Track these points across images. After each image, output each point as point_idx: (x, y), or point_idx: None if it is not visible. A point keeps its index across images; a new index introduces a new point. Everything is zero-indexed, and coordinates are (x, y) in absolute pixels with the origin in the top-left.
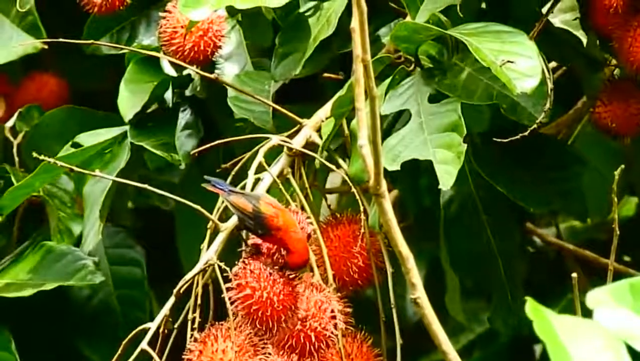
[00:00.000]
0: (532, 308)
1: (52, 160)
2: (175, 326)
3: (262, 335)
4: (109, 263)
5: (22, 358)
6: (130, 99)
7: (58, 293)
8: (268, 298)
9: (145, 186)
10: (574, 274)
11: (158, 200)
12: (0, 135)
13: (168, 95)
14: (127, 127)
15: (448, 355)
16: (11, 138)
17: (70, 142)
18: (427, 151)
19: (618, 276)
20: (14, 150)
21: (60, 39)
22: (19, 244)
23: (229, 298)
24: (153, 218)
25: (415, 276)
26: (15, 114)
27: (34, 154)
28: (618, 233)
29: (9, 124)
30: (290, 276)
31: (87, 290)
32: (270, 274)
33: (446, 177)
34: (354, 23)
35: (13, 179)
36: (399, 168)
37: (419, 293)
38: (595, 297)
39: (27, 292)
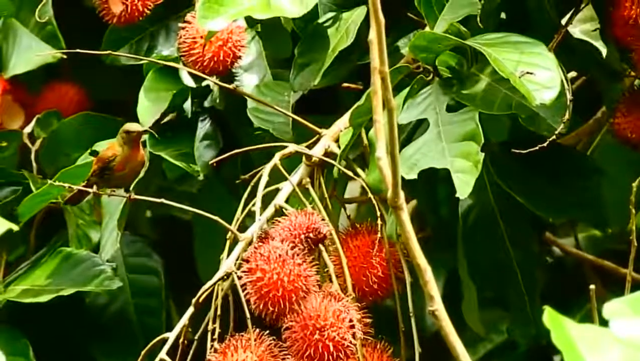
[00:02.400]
0: (550, 317)
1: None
2: (196, 337)
3: (275, 319)
4: (127, 271)
5: None
6: (149, 108)
7: (75, 301)
8: (278, 279)
9: (162, 200)
10: (592, 286)
11: (176, 210)
12: (18, 141)
13: (187, 105)
14: (145, 136)
15: None
16: (29, 144)
17: (88, 150)
18: (444, 160)
19: (637, 286)
20: (32, 156)
21: (79, 50)
22: (37, 251)
23: (241, 285)
24: (172, 228)
25: (433, 288)
26: (34, 120)
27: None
28: (636, 244)
29: (27, 130)
30: (302, 258)
31: (105, 298)
32: (280, 256)
33: (463, 187)
34: (372, 35)
35: (31, 186)
36: (416, 177)
37: (437, 305)
38: (611, 308)
39: (45, 297)
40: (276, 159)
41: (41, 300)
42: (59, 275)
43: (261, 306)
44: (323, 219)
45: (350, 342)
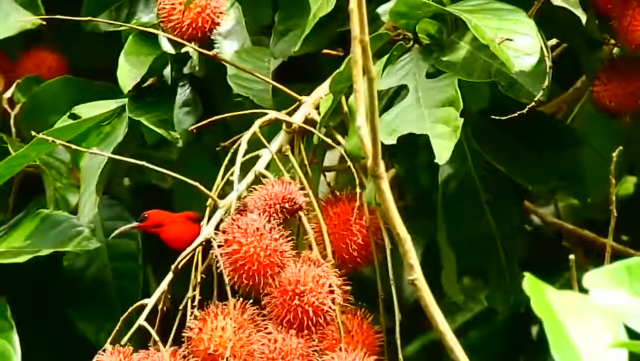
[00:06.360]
0: (530, 284)
1: (49, 139)
2: (180, 307)
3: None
4: (105, 234)
5: (16, 327)
6: (129, 71)
7: (53, 263)
8: (255, 252)
9: (144, 163)
10: (571, 256)
11: (155, 178)
12: None
13: (167, 71)
14: (125, 100)
15: (445, 337)
16: (9, 109)
17: (67, 114)
18: (423, 125)
19: (617, 255)
20: (12, 121)
21: (58, 16)
22: (15, 215)
23: (217, 255)
24: (151, 196)
25: (412, 257)
26: (14, 85)
27: (32, 132)
28: (616, 214)
29: (7, 95)
30: (278, 232)
31: (82, 261)
32: (257, 229)
33: (442, 152)
34: (352, 3)
35: (10, 149)
36: (395, 142)
37: (417, 275)
38: (591, 278)
39: (23, 258)
40: (255, 127)
41: (19, 261)
42: (38, 236)
43: (236, 278)
44: (301, 188)
45: (330, 307)
